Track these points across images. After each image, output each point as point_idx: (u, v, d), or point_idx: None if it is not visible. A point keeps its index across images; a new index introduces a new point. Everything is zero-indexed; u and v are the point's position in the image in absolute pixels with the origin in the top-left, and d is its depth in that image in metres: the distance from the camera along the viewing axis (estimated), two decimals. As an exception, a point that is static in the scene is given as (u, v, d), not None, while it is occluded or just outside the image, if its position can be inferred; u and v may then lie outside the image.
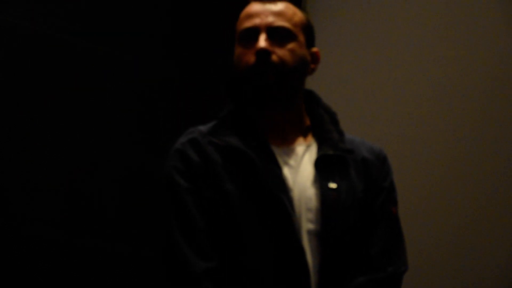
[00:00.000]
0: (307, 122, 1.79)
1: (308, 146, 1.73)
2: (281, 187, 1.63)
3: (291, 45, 1.70)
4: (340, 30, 3.11)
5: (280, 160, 1.68)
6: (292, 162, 1.69)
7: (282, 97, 1.72)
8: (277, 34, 1.70)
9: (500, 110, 2.68)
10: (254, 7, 1.74)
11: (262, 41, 1.67)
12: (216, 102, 3.16)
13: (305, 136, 1.76)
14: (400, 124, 2.87)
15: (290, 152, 1.71)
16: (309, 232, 1.62)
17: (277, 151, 1.69)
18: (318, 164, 1.68)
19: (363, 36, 3.07)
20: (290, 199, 1.62)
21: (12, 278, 2.67)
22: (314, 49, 1.78)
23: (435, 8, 2.90)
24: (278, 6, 1.73)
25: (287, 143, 1.73)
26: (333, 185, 1.66)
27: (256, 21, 1.71)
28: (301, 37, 1.73)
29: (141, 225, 2.99)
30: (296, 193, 1.65)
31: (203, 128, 1.76)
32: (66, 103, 2.89)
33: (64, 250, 2.79)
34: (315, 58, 1.78)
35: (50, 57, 2.87)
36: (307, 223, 1.62)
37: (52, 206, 2.80)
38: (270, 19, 1.70)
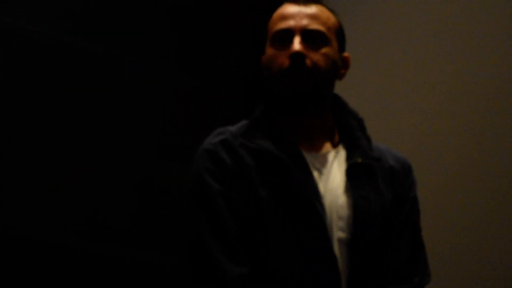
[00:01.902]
0: (334, 127, 1.77)
1: (337, 153, 1.71)
2: (315, 194, 1.61)
3: (325, 50, 1.68)
4: (359, 33, 3.10)
5: (311, 166, 1.66)
6: (322, 168, 1.67)
7: (314, 102, 1.69)
8: (311, 38, 1.67)
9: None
10: (289, 8, 1.71)
11: (297, 44, 1.64)
12: (218, 103, 3.20)
13: (332, 141, 1.74)
14: (420, 130, 2.87)
15: (320, 158, 1.69)
16: (340, 240, 1.60)
17: (307, 157, 1.66)
18: (349, 172, 1.66)
19: (380, 39, 3.08)
20: (323, 207, 1.60)
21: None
22: (345, 54, 1.76)
23: (451, 14, 2.90)
24: (313, 9, 1.70)
25: (316, 148, 1.71)
26: (363, 193, 1.65)
27: (291, 23, 1.68)
28: (334, 42, 1.71)
29: (158, 232, 2.97)
30: (327, 201, 1.62)
31: (233, 129, 1.72)
32: (72, 107, 2.84)
33: (84, 258, 2.78)
34: (345, 63, 1.76)
35: (61, 61, 2.84)
36: (338, 232, 1.60)
37: (72, 214, 2.78)
38: (305, 21, 1.68)
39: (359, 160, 1.67)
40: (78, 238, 2.78)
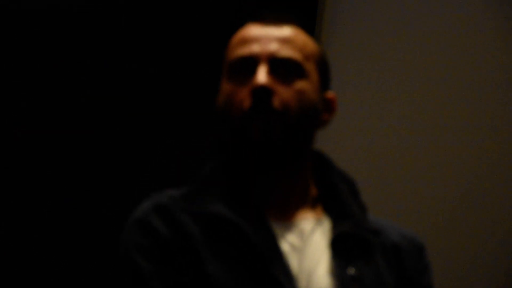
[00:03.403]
0: (315, 190, 1.33)
1: (318, 222, 1.27)
2: (284, 274, 1.18)
3: (300, 84, 1.25)
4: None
5: (280, 238, 1.22)
6: (296, 241, 1.23)
7: (284, 157, 1.26)
8: (282, 68, 1.25)
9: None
10: (253, 30, 1.29)
11: (262, 75, 1.22)
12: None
13: (312, 208, 1.31)
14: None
15: (293, 228, 1.25)
16: None
17: (275, 227, 1.23)
18: (335, 246, 1.23)
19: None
20: None
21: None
22: (330, 94, 1.34)
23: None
24: (286, 31, 1.28)
25: (290, 216, 1.27)
26: (353, 272, 1.21)
27: (255, 48, 1.26)
28: (314, 75, 1.29)
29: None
30: (303, 284, 1.19)
31: (174, 192, 1.29)
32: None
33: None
34: (329, 106, 1.33)
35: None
36: None
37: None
38: (274, 46, 1.25)
39: (350, 230, 1.25)
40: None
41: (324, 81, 1.32)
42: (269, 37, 1.27)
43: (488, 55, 2.64)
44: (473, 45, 2.67)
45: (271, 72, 1.24)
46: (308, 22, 2.85)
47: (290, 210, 1.27)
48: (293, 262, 1.20)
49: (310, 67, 1.28)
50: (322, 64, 1.32)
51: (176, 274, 1.19)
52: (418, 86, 2.72)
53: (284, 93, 1.23)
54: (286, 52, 1.25)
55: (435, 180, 2.57)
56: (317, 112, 1.29)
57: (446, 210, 2.56)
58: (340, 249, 1.23)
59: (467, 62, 2.69)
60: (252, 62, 1.25)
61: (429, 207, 2.56)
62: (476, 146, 2.58)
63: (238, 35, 1.30)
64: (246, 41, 1.27)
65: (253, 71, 1.24)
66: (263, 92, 1.21)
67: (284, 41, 1.26)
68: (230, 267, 1.17)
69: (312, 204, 1.30)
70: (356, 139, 2.61)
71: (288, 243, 1.22)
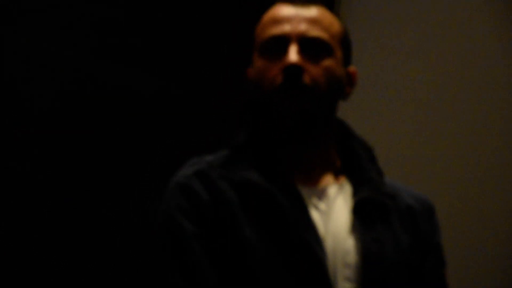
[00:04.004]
0: (337, 157, 1.46)
1: (340, 187, 1.40)
2: (313, 236, 1.30)
3: (327, 62, 1.37)
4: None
5: (308, 202, 1.35)
6: (322, 205, 1.36)
7: (312, 128, 1.38)
8: (311, 47, 1.36)
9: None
10: (283, 10, 1.40)
11: (293, 54, 1.33)
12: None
13: (335, 174, 1.43)
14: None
15: (319, 193, 1.38)
16: None
17: (304, 192, 1.35)
18: (357, 210, 1.35)
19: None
20: (323, 251, 1.30)
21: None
22: (351, 69, 1.45)
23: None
24: (313, 12, 1.39)
25: (315, 182, 1.39)
26: (373, 234, 1.35)
27: (286, 28, 1.37)
28: (339, 53, 1.40)
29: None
30: (329, 245, 1.32)
31: (211, 158, 1.41)
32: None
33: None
34: (351, 80, 1.45)
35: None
36: (343, 282, 1.30)
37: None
38: (303, 27, 1.36)
39: (369, 195, 1.37)
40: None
41: (347, 57, 1.44)
42: (298, 17, 1.37)
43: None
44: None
45: (301, 50, 1.35)
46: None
47: (315, 176, 1.40)
48: (320, 224, 1.32)
49: (335, 45, 1.39)
50: (345, 42, 1.43)
51: (215, 236, 1.31)
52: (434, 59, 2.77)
53: (313, 70, 1.34)
54: (314, 32, 1.36)
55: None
56: (342, 86, 1.41)
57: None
58: (361, 212, 1.35)
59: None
60: (283, 41, 1.36)
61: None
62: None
63: (269, 14, 1.41)
64: (277, 20, 1.38)
65: (284, 50, 1.35)
66: (294, 69, 1.33)
67: (312, 21, 1.37)
68: (264, 231, 1.29)
69: (335, 170, 1.43)
70: (374, 110, 2.74)
71: (314, 207, 1.35)
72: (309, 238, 1.29)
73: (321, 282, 1.27)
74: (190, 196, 1.33)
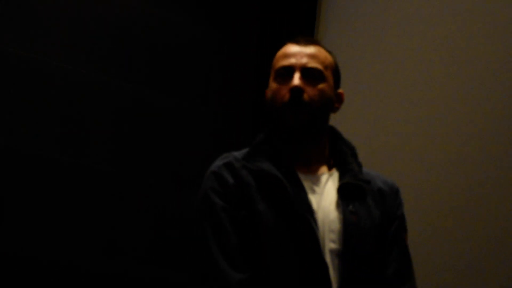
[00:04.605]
0: (328, 153, 1.97)
1: (330, 175, 1.91)
2: (307, 209, 1.80)
3: (321, 86, 1.89)
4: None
5: (306, 185, 1.86)
6: (316, 188, 1.87)
7: (310, 133, 1.90)
8: (309, 74, 1.89)
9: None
10: (291, 48, 1.93)
11: (297, 79, 1.86)
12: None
13: (327, 166, 1.95)
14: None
15: (314, 179, 1.89)
16: (331, 251, 1.78)
17: (303, 178, 1.87)
18: (341, 191, 1.86)
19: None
20: (315, 220, 1.79)
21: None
22: (340, 91, 1.98)
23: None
24: (312, 49, 1.92)
25: (312, 171, 1.91)
26: (352, 208, 1.84)
27: (292, 60, 1.90)
28: (330, 79, 1.93)
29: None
30: (320, 215, 1.82)
31: (237, 153, 1.94)
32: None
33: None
34: (339, 99, 1.98)
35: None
36: (329, 243, 1.79)
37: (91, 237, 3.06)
38: (305, 60, 1.90)
39: (351, 181, 1.88)
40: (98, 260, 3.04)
41: (337, 81, 1.97)
42: (301, 53, 1.92)
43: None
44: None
45: (303, 77, 1.88)
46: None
47: (312, 167, 1.92)
48: (314, 202, 1.83)
49: (328, 73, 1.93)
50: (336, 71, 1.97)
51: (238, 209, 1.82)
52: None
53: (311, 92, 1.88)
54: (312, 64, 1.90)
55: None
56: (332, 103, 1.94)
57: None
58: (344, 193, 1.86)
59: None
60: (290, 70, 1.90)
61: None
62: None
63: (282, 51, 1.95)
64: (287, 55, 1.93)
65: (291, 76, 1.89)
66: (297, 90, 1.86)
67: (311, 56, 1.91)
68: (273, 206, 1.80)
69: (327, 163, 1.96)
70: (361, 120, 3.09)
71: (310, 189, 1.86)
72: (304, 210, 1.80)
73: (313, 243, 1.76)
74: (221, 181, 1.86)
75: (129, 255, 3.12)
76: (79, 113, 3.09)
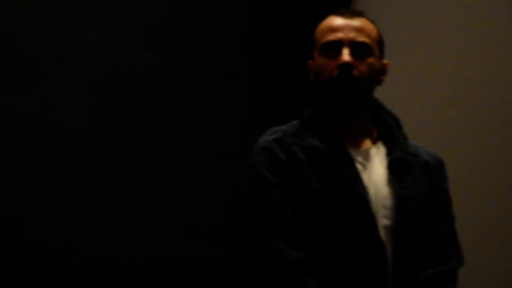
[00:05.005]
0: (373, 126, 1.97)
1: (377, 149, 1.91)
2: (360, 186, 1.80)
3: (370, 60, 1.87)
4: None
5: (355, 161, 1.85)
6: (365, 163, 1.87)
7: (358, 107, 1.90)
8: (358, 49, 1.86)
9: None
10: (336, 21, 1.90)
11: (346, 55, 1.84)
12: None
13: (372, 139, 1.94)
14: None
15: (363, 153, 1.89)
16: (385, 227, 1.79)
17: (352, 153, 1.86)
18: (391, 166, 1.86)
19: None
20: (368, 197, 1.80)
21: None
22: (384, 62, 1.96)
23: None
24: (358, 22, 1.89)
25: (359, 145, 1.90)
26: (402, 183, 1.85)
27: (339, 35, 1.87)
28: (377, 52, 1.91)
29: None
30: (371, 192, 1.82)
31: (285, 128, 1.92)
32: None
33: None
34: (384, 70, 1.96)
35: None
36: (382, 219, 1.80)
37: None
38: (353, 34, 1.87)
39: (400, 155, 1.88)
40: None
41: (382, 53, 1.95)
42: (348, 27, 1.88)
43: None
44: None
45: (351, 52, 1.85)
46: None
47: (359, 141, 1.91)
48: (364, 177, 1.83)
49: (375, 47, 1.90)
50: (381, 42, 1.95)
51: (290, 186, 1.80)
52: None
53: (360, 67, 1.85)
54: (361, 38, 1.87)
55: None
56: (378, 76, 1.92)
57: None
58: (393, 168, 1.87)
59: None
60: (338, 44, 1.87)
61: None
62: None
63: (326, 23, 1.92)
64: (333, 29, 1.89)
65: (339, 51, 1.86)
66: (347, 66, 1.84)
67: (359, 29, 1.88)
68: (325, 182, 1.80)
69: (372, 136, 1.94)
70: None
71: (360, 164, 1.86)
72: (357, 187, 1.80)
73: (368, 219, 1.78)
74: (271, 156, 1.84)
75: (172, 234, 3.12)
76: (115, 88, 3.08)
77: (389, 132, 1.95)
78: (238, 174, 3.08)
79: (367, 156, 1.89)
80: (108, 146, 3.01)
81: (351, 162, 1.84)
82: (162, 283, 3.03)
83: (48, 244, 2.80)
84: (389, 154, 1.90)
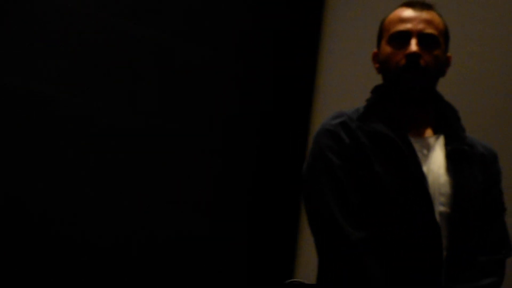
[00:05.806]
0: (433, 116, 2.02)
1: (437, 138, 1.97)
2: (420, 172, 1.86)
3: (436, 52, 1.93)
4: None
5: (416, 148, 1.91)
6: (425, 151, 1.93)
7: (423, 97, 1.96)
8: (426, 40, 1.92)
9: None
10: (406, 12, 1.97)
11: (414, 46, 1.90)
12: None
13: (432, 129, 2.00)
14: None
15: (423, 142, 1.95)
16: (441, 214, 1.86)
17: (412, 141, 1.92)
18: (450, 156, 1.92)
19: None
20: (428, 183, 1.86)
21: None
22: (449, 54, 2.02)
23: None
24: (427, 14, 1.96)
25: (420, 134, 1.97)
26: (461, 172, 1.91)
27: (408, 26, 1.93)
28: (443, 44, 1.97)
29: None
30: (430, 178, 1.88)
31: (349, 112, 1.98)
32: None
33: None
34: (448, 63, 2.02)
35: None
36: (439, 206, 1.86)
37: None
38: (421, 25, 1.93)
39: (459, 145, 1.94)
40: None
41: (447, 46, 2.01)
42: (417, 18, 1.95)
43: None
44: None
45: (419, 43, 1.91)
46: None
47: (419, 130, 1.98)
48: (424, 165, 1.90)
49: (441, 39, 1.97)
50: (447, 36, 2.01)
51: (353, 169, 1.87)
52: None
53: (427, 58, 1.92)
54: (429, 30, 1.94)
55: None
56: (443, 67, 1.99)
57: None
58: (452, 157, 1.93)
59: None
60: (407, 35, 1.93)
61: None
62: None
63: (396, 14, 1.98)
64: (403, 20, 1.96)
65: (407, 42, 1.92)
66: (415, 56, 1.90)
67: (427, 21, 1.95)
68: (388, 167, 1.86)
69: (432, 126, 2.01)
70: None
71: (420, 153, 1.92)
72: (417, 173, 1.86)
73: (426, 204, 1.84)
74: (336, 139, 1.91)
75: (189, 211, 3.20)
76: (126, 67, 3.13)
77: (448, 123, 2.01)
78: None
79: (427, 145, 1.95)
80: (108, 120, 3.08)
81: (412, 149, 1.90)
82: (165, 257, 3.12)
83: (54, 217, 2.88)
84: (447, 144, 1.96)
